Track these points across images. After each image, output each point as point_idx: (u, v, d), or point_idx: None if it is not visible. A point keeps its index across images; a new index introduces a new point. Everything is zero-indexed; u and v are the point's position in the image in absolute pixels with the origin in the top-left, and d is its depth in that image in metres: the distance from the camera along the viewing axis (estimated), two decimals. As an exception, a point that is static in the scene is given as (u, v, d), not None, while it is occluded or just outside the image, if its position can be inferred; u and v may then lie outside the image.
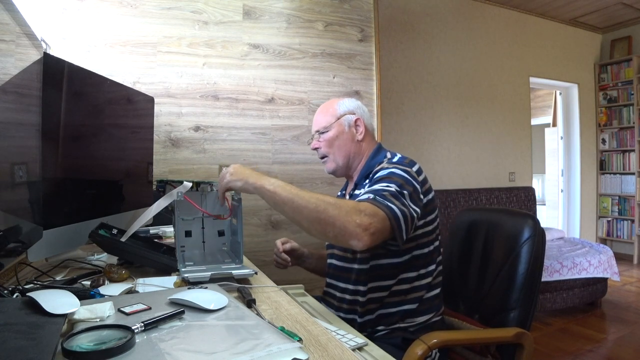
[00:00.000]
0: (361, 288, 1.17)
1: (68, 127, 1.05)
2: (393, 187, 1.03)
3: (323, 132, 1.28)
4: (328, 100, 1.35)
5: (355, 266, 1.19)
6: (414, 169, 1.14)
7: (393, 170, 1.10)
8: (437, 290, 1.23)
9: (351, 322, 1.16)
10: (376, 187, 1.05)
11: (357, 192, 1.23)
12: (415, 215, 1.04)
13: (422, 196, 1.10)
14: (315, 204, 0.93)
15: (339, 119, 1.27)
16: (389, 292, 1.16)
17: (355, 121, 1.28)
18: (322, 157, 1.31)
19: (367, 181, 1.18)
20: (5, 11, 1.19)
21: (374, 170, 1.15)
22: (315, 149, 1.31)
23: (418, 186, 1.09)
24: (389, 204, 0.99)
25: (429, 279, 1.19)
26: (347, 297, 1.21)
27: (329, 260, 1.33)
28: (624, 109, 4.68)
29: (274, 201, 0.98)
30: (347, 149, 1.27)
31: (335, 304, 1.25)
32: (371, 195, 1.01)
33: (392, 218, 0.97)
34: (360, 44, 2.42)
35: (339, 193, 1.44)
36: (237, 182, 1.03)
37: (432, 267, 1.20)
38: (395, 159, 1.18)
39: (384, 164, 1.15)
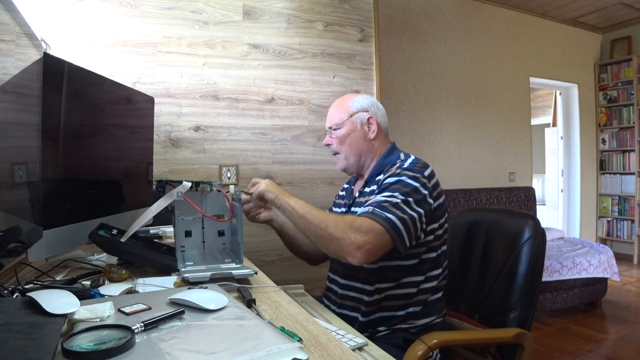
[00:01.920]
0: (368, 288, 1.17)
1: (68, 127, 1.05)
2: (397, 198, 1.04)
3: (335, 129, 1.27)
4: (343, 96, 1.34)
5: (365, 265, 1.18)
6: (426, 173, 1.12)
7: (401, 178, 1.10)
8: (441, 294, 1.23)
9: (353, 320, 1.16)
10: (379, 197, 1.07)
11: (367, 189, 1.23)
12: (417, 217, 1.04)
13: (431, 200, 1.10)
14: (320, 221, 1.04)
15: (351, 116, 1.26)
16: (396, 294, 1.16)
17: (368, 119, 1.26)
18: (335, 154, 1.30)
19: (378, 178, 1.18)
20: (5, 11, 1.19)
21: (385, 175, 1.15)
22: (328, 145, 1.30)
23: (427, 193, 1.09)
24: (388, 214, 1.01)
25: (434, 283, 1.18)
26: (351, 294, 1.20)
27: (332, 256, 1.32)
28: (624, 109, 4.68)
29: (291, 215, 1.11)
30: (359, 148, 1.26)
31: (338, 301, 1.24)
32: (370, 209, 1.04)
33: (391, 229, 1.00)
34: (360, 44, 2.42)
35: (346, 185, 1.43)
36: (270, 194, 1.16)
37: (439, 270, 1.19)
38: (406, 164, 1.16)
39: (395, 169, 1.15)
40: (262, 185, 1.18)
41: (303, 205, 1.09)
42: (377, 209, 1.03)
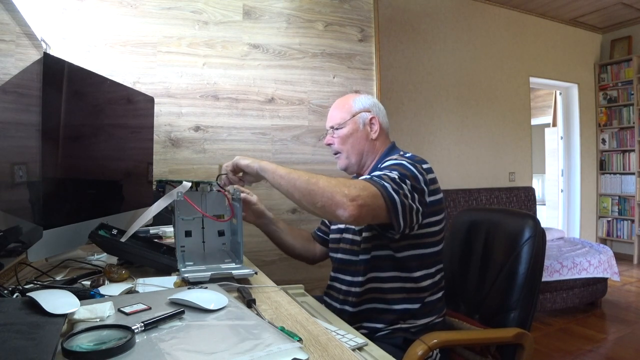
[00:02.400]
0: (359, 278, 1.18)
1: (68, 127, 1.05)
2: (394, 174, 1.04)
3: (337, 129, 1.27)
4: (344, 96, 1.33)
5: (360, 257, 1.19)
6: (424, 166, 1.13)
7: (401, 162, 1.10)
8: (441, 294, 1.23)
9: (351, 315, 1.17)
10: (378, 172, 1.06)
11: None
12: (414, 205, 1.03)
13: (426, 192, 1.09)
14: (308, 177, 0.99)
15: (354, 116, 1.26)
16: (389, 287, 1.16)
17: (371, 119, 1.27)
18: (335, 153, 1.30)
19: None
20: (5, 11, 1.19)
21: (383, 162, 1.16)
22: (329, 144, 1.30)
23: (423, 182, 1.08)
24: (384, 182, 1.00)
25: (431, 281, 1.18)
26: (353, 289, 1.20)
27: (334, 255, 1.32)
28: (624, 109, 4.68)
29: (273, 177, 1.05)
30: (361, 147, 1.26)
31: (341, 297, 1.24)
32: (368, 177, 1.03)
33: (387, 197, 0.98)
34: (360, 44, 2.42)
35: None
36: (244, 160, 1.11)
37: (436, 268, 1.20)
38: (407, 155, 1.18)
39: (394, 157, 1.16)
40: (235, 157, 1.13)
41: (284, 167, 1.06)
42: (375, 177, 1.02)
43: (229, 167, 1.13)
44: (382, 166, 1.13)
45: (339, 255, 1.28)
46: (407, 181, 1.04)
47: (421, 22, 3.72)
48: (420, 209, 1.06)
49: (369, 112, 1.27)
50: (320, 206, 0.97)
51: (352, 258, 1.22)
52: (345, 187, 0.95)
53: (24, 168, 1.03)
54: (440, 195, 1.16)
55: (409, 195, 1.02)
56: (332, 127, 1.28)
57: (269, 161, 1.09)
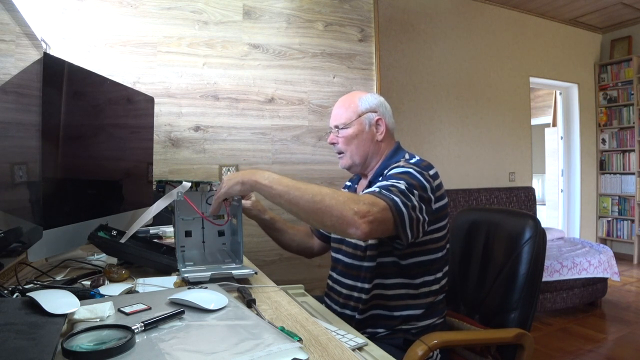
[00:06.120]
0: (366, 285, 1.17)
1: (68, 127, 1.05)
2: (402, 184, 1.01)
3: (342, 128, 1.23)
4: (349, 94, 1.29)
5: (365, 264, 1.18)
6: (431, 172, 1.11)
7: (408, 170, 1.08)
8: (442, 296, 1.22)
9: (351, 319, 1.16)
10: (385, 182, 1.04)
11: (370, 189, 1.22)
12: (421, 217, 1.01)
13: (433, 200, 1.08)
14: (311, 195, 0.94)
15: (360, 116, 1.22)
16: (393, 294, 1.16)
17: (377, 121, 1.23)
18: (339, 153, 1.27)
19: (380, 179, 1.16)
20: (5, 11, 1.19)
21: (389, 168, 1.14)
22: (333, 143, 1.27)
23: (430, 190, 1.07)
24: (393, 196, 0.97)
25: (436, 286, 1.18)
26: (355, 294, 1.19)
27: (335, 256, 1.31)
28: (624, 109, 4.68)
29: (270, 195, 0.99)
30: (366, 149, 1.23)
31: (341, 301, 1.23)
32: (376, 189, 1.00)
33: (395, 210, 0.95)
34: (360, 44, 2.42)
35: (348, 183, 1.42)
36: (234, 187, 1.03)
37: (440, 274, 1.19)
38: (412, 160, 1.15)
39: (401, 163, 1.13)
40: (222, 188, 1.04)
41: (281, 181, 0.98)
42: (383, 190, 0.99)
43: (220, 199, 1.07)
44: (388, 174, 1.10)
45: (341, 258, 1.27)
46: (415, 191, 1.02)
47: (421, 22, 3.72)
48: (427, 219, 1.04)
49: (376, 112, 1.23)
50: (329, 225, 0.94)
51: (355, 263, 1.21)
52: (354, 204, 0.91)
53: (24, 168, 1.03)
54: (445, 201, 1.15)
55: (417, 206, 1.00)
56: (336, 127, 1.25)
57: (265, 171, 1.02)
